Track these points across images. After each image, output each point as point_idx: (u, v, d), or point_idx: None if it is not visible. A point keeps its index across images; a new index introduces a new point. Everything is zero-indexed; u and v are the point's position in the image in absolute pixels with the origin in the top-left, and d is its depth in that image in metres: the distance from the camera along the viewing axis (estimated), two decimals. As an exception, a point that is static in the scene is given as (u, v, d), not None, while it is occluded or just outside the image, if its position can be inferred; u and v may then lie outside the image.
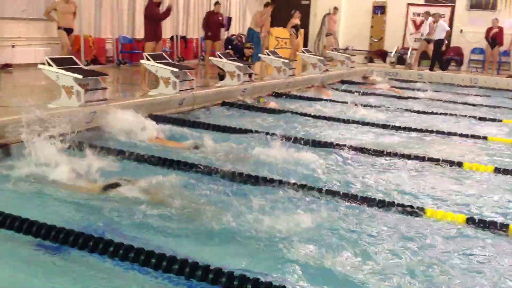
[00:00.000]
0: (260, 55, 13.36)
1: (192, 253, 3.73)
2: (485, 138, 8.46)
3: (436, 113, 10.64)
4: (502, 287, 3.66)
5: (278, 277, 3.51)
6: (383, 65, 19.00)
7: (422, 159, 6.83)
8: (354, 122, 9.17)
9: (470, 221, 4.74)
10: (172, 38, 15.73)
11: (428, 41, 17.23)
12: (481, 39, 17.56)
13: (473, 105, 12.18)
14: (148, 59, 9.26)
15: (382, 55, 19.89)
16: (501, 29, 17.01)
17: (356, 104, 10.51)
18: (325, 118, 9.39)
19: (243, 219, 4.42)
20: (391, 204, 5.02)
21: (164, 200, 4.78)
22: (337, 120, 9.30)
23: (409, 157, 6.91)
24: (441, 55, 17.51)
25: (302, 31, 18.49)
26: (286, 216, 4.52)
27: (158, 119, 7.87)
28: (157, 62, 9.20)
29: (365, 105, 10.74)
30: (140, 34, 13.75)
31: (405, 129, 8.81)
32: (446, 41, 17.66)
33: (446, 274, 3.77)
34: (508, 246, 4.38)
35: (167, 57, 9.85)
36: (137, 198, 4.80)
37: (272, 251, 3.92)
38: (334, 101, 11.51)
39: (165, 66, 9.13)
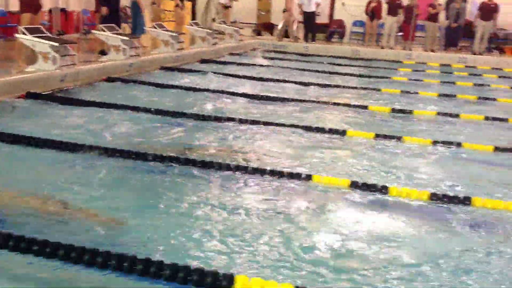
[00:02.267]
0: (146, 28, 12.98)
1: None
2: (365, 107, 8.91)
3: (322, 84, 11.03)
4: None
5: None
6: (271, 38, 19.30)
7: (308, 129, 7.07)
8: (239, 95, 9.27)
9: (353, 185, 5.00)
10: (50, 11, 14.78)
11: (306, 14, 17.77)
12: (362, 12, 18.35)
13: (356, 75, 12.77)
14: (24, 33, 8.64)
15: (269, 28, 20.18)
16: (379, 3, 17.87)
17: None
18: (207, 90, 9.43)
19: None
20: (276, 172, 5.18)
21: None
22: (222, 92, 9.36)
23: (296, 126, 7.12)
24: (312, 27, 18.11)
25: (189, 3, 18.22)
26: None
27: (36, 97, 7.42)
28: (34, 36, 8.62)
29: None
30: (14, 6, 12.77)
31: (291, 100, 9.08)
32: (319, 13, 18.28)
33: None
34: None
35: (45, 31, 9.26)
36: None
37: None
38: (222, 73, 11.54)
39: (43, 40, 8.58)
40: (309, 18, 17.85)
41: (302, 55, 16.54)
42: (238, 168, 5.24)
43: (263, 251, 3.65)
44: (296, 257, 3.59)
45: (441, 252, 3.79)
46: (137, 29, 12.66)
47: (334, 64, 14.68)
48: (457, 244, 3.95)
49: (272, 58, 15.14)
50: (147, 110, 7.43)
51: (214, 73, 11.50)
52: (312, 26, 18.08)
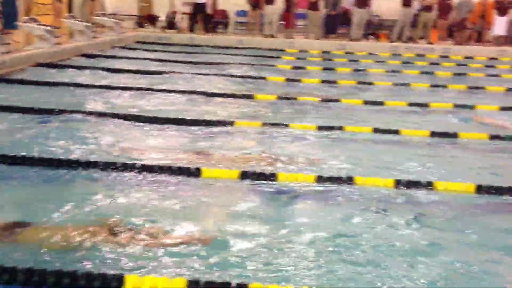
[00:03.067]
0: (18, 23, 12.14)
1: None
2: (251, 97, 9.03)
3: (209, 74, 11.00)
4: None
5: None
6: (154, 30, 18.93)
7: (195, 122, 7.02)
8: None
9: (244, 175, 5.06)
10: None
11: (197, 5, 17.66)
12: (244, 1, 18.49)
13: (241, 64, 12.88)
14: None
15: (152, 19, 19.77)
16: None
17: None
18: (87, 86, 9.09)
19: None
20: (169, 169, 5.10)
21: None
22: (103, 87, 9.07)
23: (184, 122, 7.04)
24: (205, 18, 18.09)
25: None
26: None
27: None
28: None
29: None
30: None
31: (173, 91, 8.99)
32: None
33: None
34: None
35: None
36: None
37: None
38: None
39: None
40: (200, 9, 17.67)
41: (187, 46, 16.40)
42: (125, 166, 5.09)
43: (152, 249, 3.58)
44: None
45: (331, 230, 4.00)
46: (8, 23, 11.81)
47: (219, 54, 14.71)
48: (342, 221, 4.21)
49: (156, 50, 14.86)
50: (18, 110, 6.99)
51: (95, 67, 11.06)
52: (204, 17, 17.95)
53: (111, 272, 3.12)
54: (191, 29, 18.24)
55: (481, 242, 3.97)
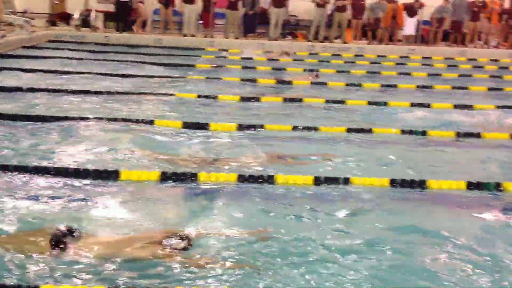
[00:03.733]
0: None
1: None
2: (172, 95, 8.92)
3: (126, 75, 10.73)
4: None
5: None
6: (68, 29, 18.21)
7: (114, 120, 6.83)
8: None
9: (163, 176, 4.97)
10: None
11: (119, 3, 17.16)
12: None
13: (160, 64, 12.66)
14: None
15: (65, 18, 18.99)
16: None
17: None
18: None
19: None
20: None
21: None
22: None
23: (101, 119, 6.82)
24: (126, 17, 17.65)
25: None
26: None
27: None
28: None
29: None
30: None
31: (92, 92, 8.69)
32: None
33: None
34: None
35: None
36: None
37: None
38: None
39: None
40: (123, 7, 17.13)
41: (103, 45, 15.91)
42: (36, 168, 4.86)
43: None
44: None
45: (250, 227, 4.05)
46: None
47: (137, 53, 14.39)
48: (261, 218, 4.30)
49: (70, 50, 14.28)
50: None
51: (4, 68, 10.47)
52: (126, 16, 17.44)
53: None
54: (117, 28, 17.64)
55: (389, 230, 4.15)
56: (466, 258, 3.73)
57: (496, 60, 16.18)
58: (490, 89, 11.27)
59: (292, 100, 9.03)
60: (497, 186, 5.13)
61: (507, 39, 18.47)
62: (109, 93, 8.74)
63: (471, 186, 5.11)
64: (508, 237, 4.20)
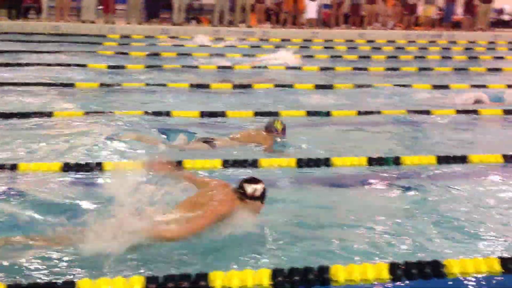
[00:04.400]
0: None
1: None
2: (72, 85, 8.53)
3: (21, 64, 10.13)
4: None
5: None
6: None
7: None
8: None
9: (66, 167, 4.78)
10: None
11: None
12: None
13: (58, 52, 12.07)
14: None
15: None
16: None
17: None
18: None
19: None
20: None
21: None
22: None
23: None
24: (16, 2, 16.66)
25: None
26: None
27: None
28: None
29: None
30: None
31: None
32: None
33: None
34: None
35: None
36: None
37: None
38: None
39: None
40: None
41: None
42: None
43: None
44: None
45: None
46: None
47: (33, 42, 13.61)
48: None
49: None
50: None
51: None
52: (18, 2, 16.38)
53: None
54: (9, 16, 16.52)
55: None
56: (369, 231, 3.89)
57: (393, 41, 16.96)
58: (387, 69, 11.78)
59: (199, 85, 8.94)
60: (396, 160, 5.38)
61: (402, 20, 19.43)
62: (2, 84, 8.21)
63: (372, 161, 5.33)
64: (403, 207, 4.42)
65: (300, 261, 3.29)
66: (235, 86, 9.04)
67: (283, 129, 5.82)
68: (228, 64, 11.38)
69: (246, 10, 18.03)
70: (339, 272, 3.05)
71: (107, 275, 3.05)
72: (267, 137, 5.75)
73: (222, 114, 7.04)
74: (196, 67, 11.08)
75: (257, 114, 7.11)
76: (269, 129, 5.78)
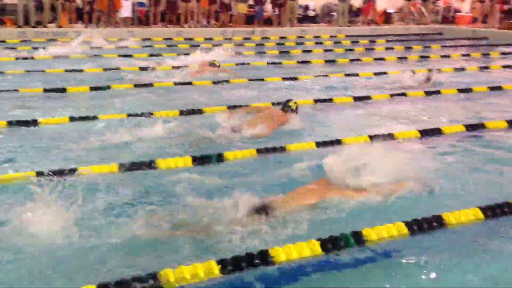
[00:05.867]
0: None
1: None
2: None
3: None
4: None
5: None
6: None
7: None
8: None
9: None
10: None
11: None
12: None
13: None
14: None
15: None
16: None
17: None
18: None
19: None
20: None
21: None
22: None
23: None
24: None
25: None
26: None
27: None
28: None
29: None
30: None
31: None
32: None
33: None
34: None
35: None
36: None
37: None
38: None
39: None
40: None
41: None
42: None
43: None
44: None
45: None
46: None
47: None
48: None
49: None
50: None
51: None
52: None
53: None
54: None
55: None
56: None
57: (210, 39, 17.26)
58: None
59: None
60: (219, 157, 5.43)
61: (218, 18, 19.93)
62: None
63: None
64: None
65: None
66: (46, 90, 8.48)
67: (296, 108, 6.72)
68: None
69: (57, 10, 16.96)
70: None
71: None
72: (283, 114, 6.66)
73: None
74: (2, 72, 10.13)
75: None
76: (285, 108, 6.69)
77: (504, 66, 12.02)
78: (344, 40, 17.80)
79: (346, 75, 10.78)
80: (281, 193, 4.24)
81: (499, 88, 9.60)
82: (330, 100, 8.32)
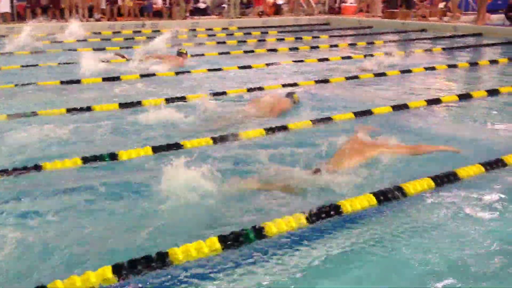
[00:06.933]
0: None
1: None
2: None
3: None
4: None
5: None
6: None
7: None
8: None
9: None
10: None
11: None
12: None
13: None
14: None
15: None
16: None
17: None
18: None
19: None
20: None
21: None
22: None
23: None
24: None
25: None
26: None
27: None
28: None
29: None
30: None
31: None
32: None
33: None
34: None
35: None
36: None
37: None
38: None
39: None
40: None
41: None
42: None
43: None
44: None
45: None
46: None
47: None
48: None
49: None
50: None
51: None
52: None
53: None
54: None
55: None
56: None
57: (99, 33, 16.59)
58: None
59: None
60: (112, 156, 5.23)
61: (105, 11, 19.23)
62: None
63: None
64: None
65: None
66: None
67: (298, 99, 7.50)
68: None
69: None
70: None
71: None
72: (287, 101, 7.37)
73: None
74: None
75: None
76: (289, 97, 7.43)
77: (387, 53, 12.66)
78: (236, 32, 17.87)
79: (240, 67, 10.81)
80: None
81: (383, 74, 10.11)
82: (224, 93, 8.31)
